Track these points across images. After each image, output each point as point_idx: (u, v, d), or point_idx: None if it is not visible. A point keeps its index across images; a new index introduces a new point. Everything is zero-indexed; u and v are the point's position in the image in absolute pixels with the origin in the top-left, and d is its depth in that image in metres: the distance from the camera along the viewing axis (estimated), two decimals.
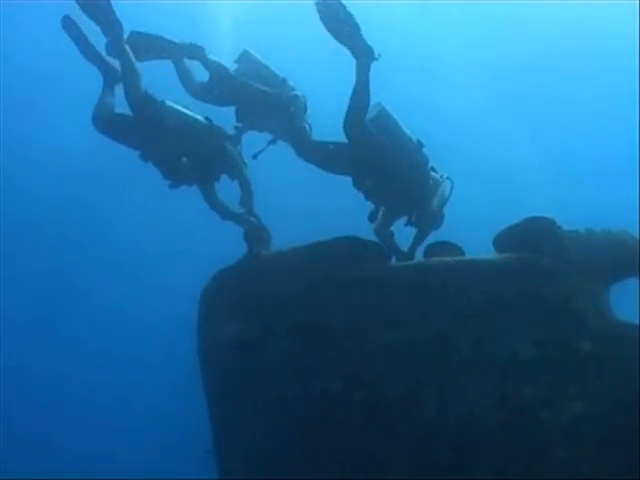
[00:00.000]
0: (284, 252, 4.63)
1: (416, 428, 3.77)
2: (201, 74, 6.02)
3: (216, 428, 4.96)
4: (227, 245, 5.13)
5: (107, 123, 5.49)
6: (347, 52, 4.94)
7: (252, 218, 5.48)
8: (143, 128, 5.43)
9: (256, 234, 4.98)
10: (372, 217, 5.44)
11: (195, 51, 5.89)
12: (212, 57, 5.91)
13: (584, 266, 3.98)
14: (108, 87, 5.64)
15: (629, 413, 3.62)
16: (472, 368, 3.78)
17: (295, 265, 4.42)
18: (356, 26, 4.87)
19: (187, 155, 5.51)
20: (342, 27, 4.84)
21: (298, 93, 5.78)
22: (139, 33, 5.62)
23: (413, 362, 3.88)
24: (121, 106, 5.57)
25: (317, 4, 4.83)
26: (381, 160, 5.18)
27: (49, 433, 16.17)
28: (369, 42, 4.90)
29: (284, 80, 5.77)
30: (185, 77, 6.00)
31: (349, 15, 4.86)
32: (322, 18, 4.86)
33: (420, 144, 5.35)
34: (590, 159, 17.30)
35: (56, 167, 16.70)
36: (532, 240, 4.09)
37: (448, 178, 5.63)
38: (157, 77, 5.75)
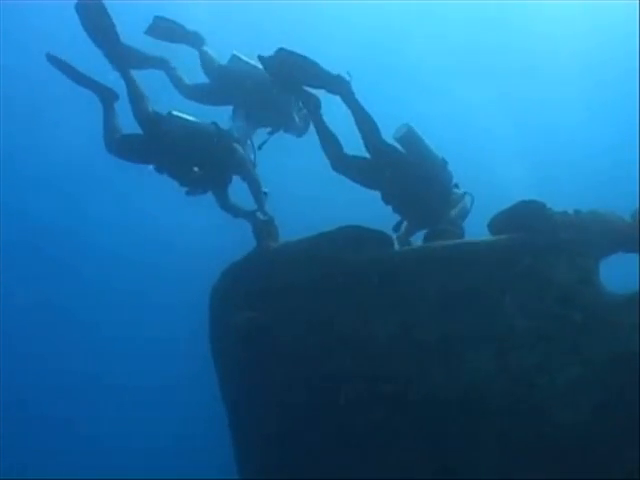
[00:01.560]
0: (291, 243, 4.90)
1: (423, 397, 4.02)
2: (191, 77, 6.31)
3: (231, 414, 5.18)
4: (235, 243, 5.38)
5: (120, 146, 5.74)
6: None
7: (261, 214, 5.62)
8: (154, 144, 5.66)
9: (264, 228, 5.23)
10: (397, 228, 5.56)
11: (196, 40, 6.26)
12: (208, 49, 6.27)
13: (574, 244, 4.26)
14: (108, 108, 5.83)
15: (619, 377, 3.86)
16: (473, 340, 4.04)
17: (301, 254, 4.68)
18: (314, 65, 5.23)
19: (199, 163, 5.68)
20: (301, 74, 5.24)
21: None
22: (162, 18, 6.04)
23: (418, 338, 4.13)
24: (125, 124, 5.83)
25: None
26: (408, 176, 5.39)
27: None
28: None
29: None
30: (178, 81, 6.26)
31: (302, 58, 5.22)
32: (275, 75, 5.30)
33: (445, 162, 5.54)
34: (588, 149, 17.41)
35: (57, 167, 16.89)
36: (525, 222, 4.37)
37: (469, 194, 5.78)
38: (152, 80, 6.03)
